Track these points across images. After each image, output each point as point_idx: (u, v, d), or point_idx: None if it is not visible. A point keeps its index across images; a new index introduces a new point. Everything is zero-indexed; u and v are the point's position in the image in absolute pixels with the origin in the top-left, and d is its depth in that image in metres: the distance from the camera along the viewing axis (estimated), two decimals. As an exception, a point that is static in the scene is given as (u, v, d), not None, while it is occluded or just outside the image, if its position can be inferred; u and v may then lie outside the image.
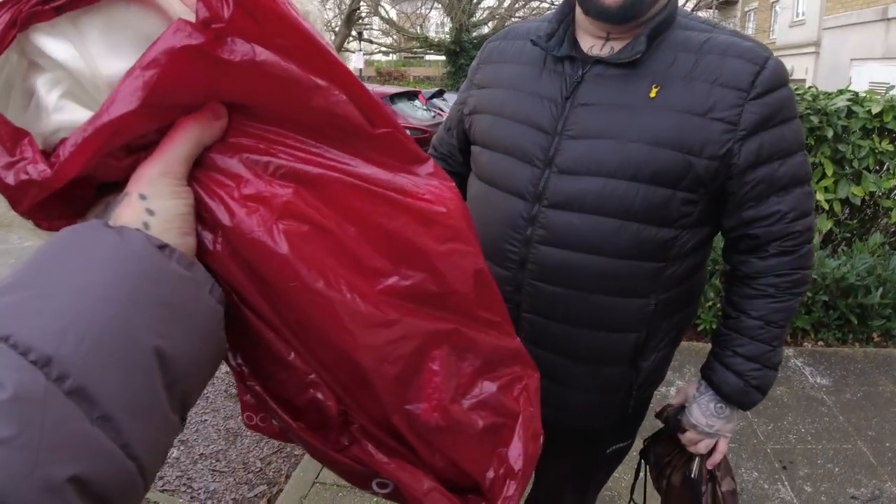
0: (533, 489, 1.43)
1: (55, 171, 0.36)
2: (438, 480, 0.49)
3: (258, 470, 2.48)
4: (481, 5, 20.80)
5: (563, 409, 1.17)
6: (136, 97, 0.35)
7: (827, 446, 2.64)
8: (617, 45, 1.06)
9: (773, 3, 20.16)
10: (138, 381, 0.33)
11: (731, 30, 1.08)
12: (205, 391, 0.42)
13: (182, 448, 2.58)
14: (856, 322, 3.44)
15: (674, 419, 1.21)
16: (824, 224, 3.63)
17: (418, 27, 23.22)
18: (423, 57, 28.80)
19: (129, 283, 0.34)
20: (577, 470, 1.34)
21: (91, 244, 0.35)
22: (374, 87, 9.25)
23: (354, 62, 19.22)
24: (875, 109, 3.41)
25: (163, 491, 2.34)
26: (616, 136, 1.00)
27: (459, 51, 19.99)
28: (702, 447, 1.17)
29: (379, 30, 23.35)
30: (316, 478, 2.37)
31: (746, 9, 23.71)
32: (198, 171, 0.40)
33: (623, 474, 2.29)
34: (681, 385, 3.06)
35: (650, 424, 1.33)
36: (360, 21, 18.92)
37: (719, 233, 1.14)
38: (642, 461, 1.37)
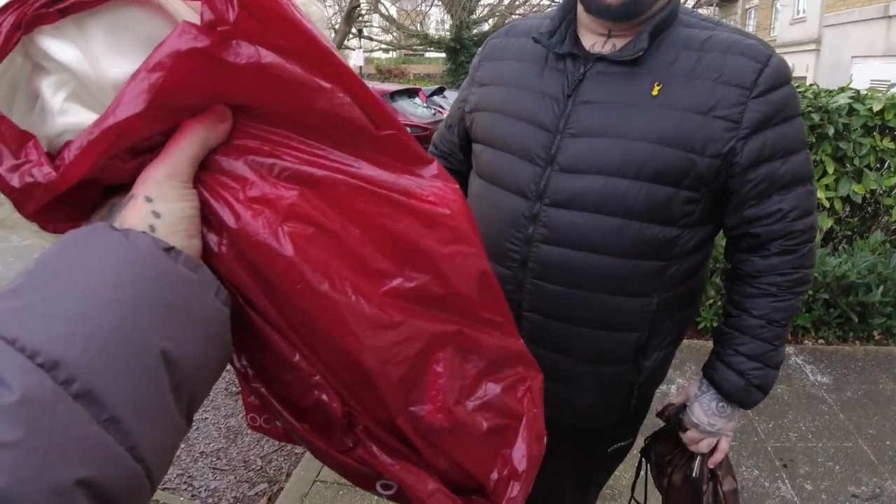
0: (533, 488, 1.43)
1: (60, 174, 0.36)
2: (442, 482, 0.49)
3: (259, 468, 2.48)
4: (481, 2, 20.78)
5: (565, 407, 1.16)
6: (142, 100, 0.35)
7: (827, 444, 2.64)
8: (619, 43, 1.05)
9: (773, 0, 20.13)
10: (145, 383, 0.33)
11: (734, 27, 1.08)
12: (206, 389, 0.43)
13: (183, 446, 2.58)
14: (856, 320, 3.44)
15: (675, 418, 1.21)
16: (825, 222, 3.63)
17: (418, 24, 23.21)
18: (423, 54, 28.78)
19: (135, 285, 0.34)
20: (578, 469, 1.33)
21: (97, 247, 0.35)
22: (375, 85, 9.24)
23: (354, 59, 19.20)
24: (876, 107, 3.40)
25: (163, 489, 2.34)
26: (618, 135, 1.00)
27: (460, 48, 19.97)
28: (703, 446, 1.17)
29: (379, 27, 23.33)
30: (317, 476, 2.37)
31: (747, 6, 23.68)
32: (203, 173, 0.40)
33: (624, 472, 2.29)
34: (681, 383, 3.07)
35: (651, 423, 1.32)
36: (361, 18, 18.89)
37: (721, 231, 1.13)
38: (643, 460, 1.37)
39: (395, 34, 23.26)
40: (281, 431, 0.57)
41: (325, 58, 0.41)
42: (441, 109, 9.66)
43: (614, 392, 1.16)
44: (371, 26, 23.04)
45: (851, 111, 3.47)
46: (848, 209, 3.78)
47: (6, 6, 0.35)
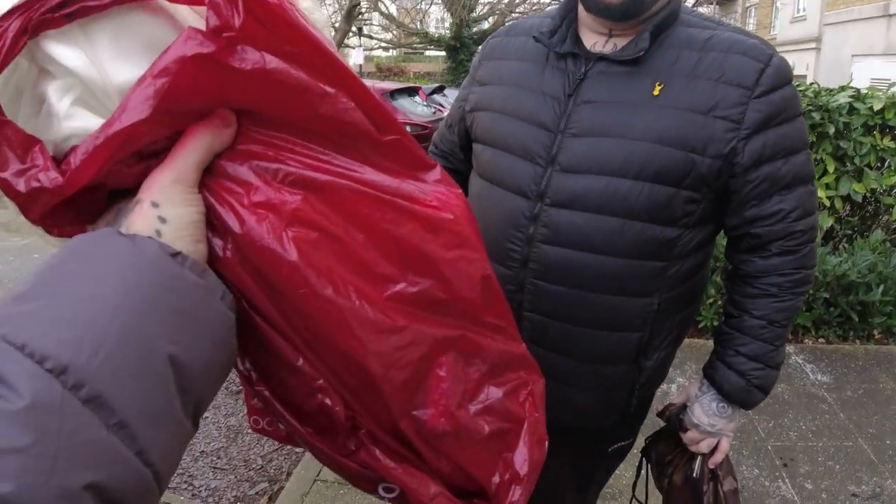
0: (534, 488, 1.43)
1: (67, 179, 0.36)
2: (444, 485, 0.50)
3: (259, 467, 2.48)
4: (481, 0, 20.75)
5: (565, 408, 1.16)
6: (148, 105, 0.35)
7: (828, 444, 2.64)
8: (620, 42, 1.05)
9: (773, -2, 20.11)
10: (153, 388, 0.33)
11: (735, 27, 1.08)
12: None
13: (183, 445, 2.58)
14: (857, 319, 3.44)
15: (676, 418, 1.21)
16: (825, 221, 3.63)
17: (418, 23, 23.18)
18: (423, 52, 28.78)
19: (142, 290, 0.34)
20: (579, 468, 1.33)
21: (104, 252, 0.35)
22: (375, 83, 9.23)
23: (354, 58, 19.18)
24: (877, 106, 3.40)
25: (164, 488, 2.34)
26: (619, 135, 1.00)
27: (460, 46, 19.96)
28: (703, 446, 1.17)
29: (379, 25, 23.30)
30: (317, 475, 2.37)
31: (747, 4, 23.67)
32: (208, 178, 0.41)
33: (624, 472, 2.29)
34: (682, 382, 3.07)
35: (651, 422, 1.32)
36: (360, 17, 18.87)
37: (722, 231, 1.13)
38: (644, 460, 1.37)
39: (395, 32, 23.23)
40: (283, 434, 0.57)
41: (329, 63, 0.41)
42: (441, 108, 9.65)
43: (615, 392, 1.16)
44: (371, 24, 23.02)
45: (852, 110, 3.46)
46: (848, 208, 3.78)
47: (11, 11, 0.35)
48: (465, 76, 1.30)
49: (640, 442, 1.36)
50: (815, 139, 3.49)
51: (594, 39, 1.07)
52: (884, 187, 3.60)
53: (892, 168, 3.59)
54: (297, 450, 2.56)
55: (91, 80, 0.38)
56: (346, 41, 17.74)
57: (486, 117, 1.16)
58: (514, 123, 1.09)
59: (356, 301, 0.42)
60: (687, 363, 3.19)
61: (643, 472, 1.37)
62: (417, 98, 9.14)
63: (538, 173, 1.05)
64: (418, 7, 22.33)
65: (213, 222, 0.40)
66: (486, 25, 20.75)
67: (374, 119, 0.44)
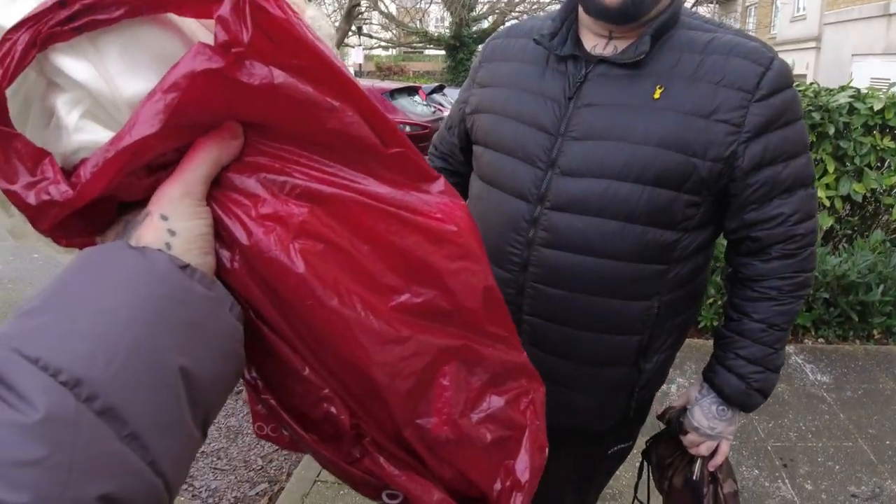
0: (534, 490, 1.43)
1: (77, 192, 0.36)
2: (447, 492, 0.50)
3: (259, 468, 2.49)
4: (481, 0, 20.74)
5: (565, 410, 1.16)
6: (158, 120, 0.36)
7: (827, 444, 2.64)
8: (620, 45, 1.05)
9: (773, -3, 20.11)
10: (164, 399, 0.34)
11: (736, 29, 1.08)
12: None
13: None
14: (856, 319, 3.45)
15: (676, 421, 1.21)
16: (825, 221, 3.63)
17: (418, 22, 23.16)
18: (422, 52, 28.76)
19: (153, 303, 0.35)
20: (579, 471, 1.34)
21: (115, 265, 0.36)
22: (374, 83, 9.22)
23: (354, 57, 19.17)
24: (877, 106, 3.40)
25: (164, 489, 2.34)
26: (620, 138, 1.00)
27: (459, 45, 19.94)
28: (703, 449, 1.17)
29: (378, 24, 23.29)
30: (317, 476, 2.38)
31: (747, 3, 23.65)
32: (216, 189, 0.41)
33: (624, 472, 2.30)
34: (682, 382, 3.07)
35: (652, 424, 1.32)
36: (360, 16, 18.86)
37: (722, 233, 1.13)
38: (645, 462, 1.37)
39: (394, 31, 23.22)
40: (288, 440, 0.57)
41: (336, 77, 0.42)
42: (441, 107, 9.64)
43: (615, 395, 1.16)
44: (371, 24, 23.01)
45: (852, 110, 3.46)
46: (848, 208, 3.78)
47: (21, 24, 0.36)
48: (464, 75, 1.30)
49: (640, 443, 1.36)
50: (815, 139, 3.49)
51: (594, 42, 1.07)
52: (884, 187, 3.60)
53: (892, 168, 3.59)
54: (298, 450, 2.56)
55: (100, 93, 0.38)
56: (345, 40, 17.74)
57: (486, 120, 1.16)
58: (514, 126, 1.09)
59: (361, 312, 0.43)
60: (687, 363, 3.20)
61: (644, 474, 1.38)
62: (417, 98, 9.13)
63: (538, 176, 1.05)
64: (418, 6, 22.33)
65: (220, 234, 0.41)
66: (485, 24, 20.74)
67: (379, 132, 0.44)
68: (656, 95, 0.99)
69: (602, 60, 1.03)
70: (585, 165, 1.01)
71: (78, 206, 0.37)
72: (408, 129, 7.74)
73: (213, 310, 0.38)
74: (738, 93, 0.97)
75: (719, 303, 3.42)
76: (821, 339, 3.53)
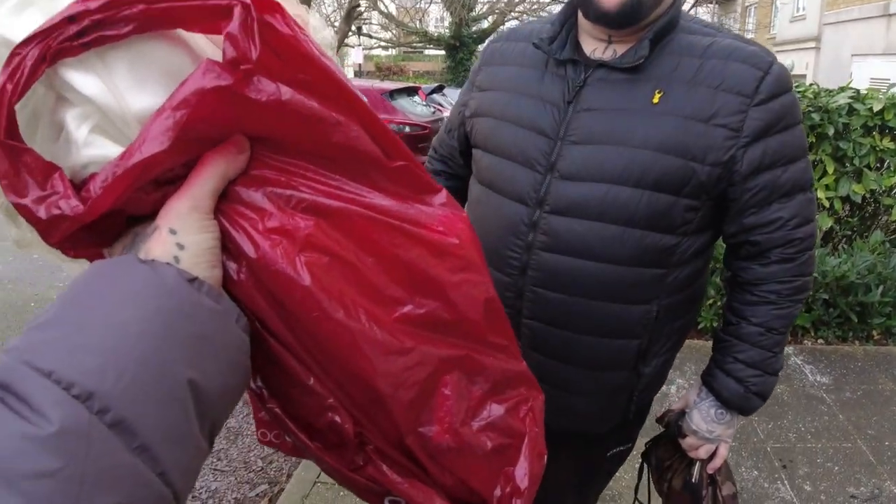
0: (534, 492, 1.43)
1: (88, 207, 0.37)
2: (448, 498, 0.51)
3: (259, 469, 2.49)
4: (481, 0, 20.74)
5: (565, 414, 1.17)
6: (167, 137, 0.36)
7: (827, 445, 2.65)
8: (620, 49, 1.05)
9: (773, -3, 20.11)
10: (174, 412, 0.34)
11: (735, 34, 1.08)
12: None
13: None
14: (856, 320, 3.45)
15: (675, 424, 1.22)
16: (825, 222, 3.63)
17: (417, 22, 23.16)
18: (422, 51, 28.76)
19: (162, 317, 0.35)
20: (578, 473, 1.34)
21: (125, 279, 0.36)
22: (374, 83, 9.22)
23: (354, 57, 19.17)
24: (876, 107, 3.41)
25: (164, 490, 2.34)
26: (619, 142, 1.00)
27: (459, 45, 19.94)
28: (702, 452, 1.17)
29: (378, 24, 23.29)
30: (317, 477, 2.38)
31: (747, 4, 23.65)
32: (223, 203, 0.42)
33: (623, 474, 2.30)
34: (681, 383, 3.07)
35: (651, 426, 1.33)
36: (360, 16, 18.86)
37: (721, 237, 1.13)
38: (644, 464, 1.37)
39: (394, 31, 23.22)
40: (290, 446, 0.58)
41: (341, 92, 0.42)
42: (440, 108, 9.64)
43: (614, 398, 1.17)
44: (370, 24, 23.01)
45: (851, 111, 3.47)
46: (848, 209, 3.79)
47: (30, 38, 0.36)
48: (464, 75, 1.31)
49: (640, 445, 1.37)
50: (814, 140, 3.49)
51: (594, 46, 1.07)
52: (883, 188, 3.61)
53: (892, 169, 3.60)
54: (297, 452, 2.57)
55: (109, 108, 0.38)
56: (345, 40, 17.73)
57: (486, 123, 1.16)
58: (513, 130, 1.10)
59: (366, 323, 0.44)
60: (687, 364, 3.20)
61: (644, 475, 1.38)
62: (417, 98, 9.13)
63: (537, 180, 1.05)
64: (417, 6, 22.32)
65: (227, 246, 0.41)
66: (485, 24, 20.74)
67: (382, 146, 0.45)
68: (655, 100, 0.99)
69: (601, 65, 1.04)
70: (585, 169, 1.02)
71: (88, 220, 0.37)
72: (407, 129, 7.73)
73: (220, 323, 0.38)
74: (737, 97, 0.97)
75: (719, 304, 3.42)
76: (820, 340, 3.54)
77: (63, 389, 0.31)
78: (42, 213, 0.37)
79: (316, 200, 0.43)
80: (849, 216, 3.82)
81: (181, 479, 0.34)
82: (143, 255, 0.38)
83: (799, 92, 3.59)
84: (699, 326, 3.47)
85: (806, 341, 3.54)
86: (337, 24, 17.46)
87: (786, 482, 2.43)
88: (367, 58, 23.88)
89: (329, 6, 19.68)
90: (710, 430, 1.15)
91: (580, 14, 1.07)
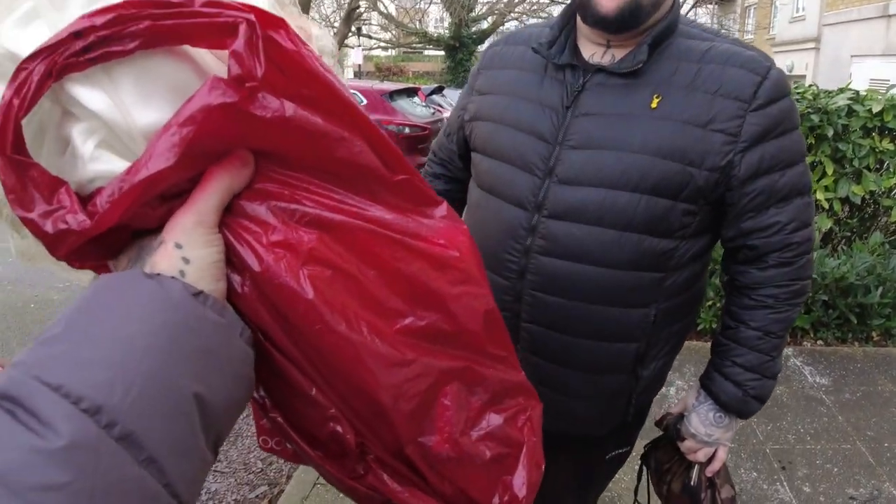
0: (533, 494, 1.44)
1: (94, 222, 0.37)
2: None
3: (259, 470, 2.49)
4: (480, 0, 20.74)
5: (563, 417, 1.17)
6: (174, 153, 0.37)
7: (826, 446, 2.65)
8: (618, 53, 1.05)
9: (773, -2, 20.11)
10: (180, 426, 0.35)
11: (734, 38, 1.09)
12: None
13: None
14: (855, 321, 3.46)
15: (673, 428, 1.22)
16: (824, 223, 3.64)
17: (417, 22, 23.16)
18: (422, 52, 28.77)
19: (168, 331, 0.36)
20: (578, 476, 1.34)
21: (132, 294, 0.37)
22: (373, 84, 9.22)
23: (353, 58, 19.16)
24: (875, 108, 3.41)
25: (164, 492, 2.34)
26: (617, 147, 1.00)
27: (459, 46, 19.96)
28: (701, 455, 1.18)
29: (378, 25, 23.30)
30: (317, 479, 2.38)
31: (746, 4, 23.65)
32: (227, 216, 0.42)
33: (623, 475, 2.30)
34: (681, 385, 3.07)
35: (651, 428, 1.33)
36: (359, 17, 18.86)
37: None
38: (644, 466, 1.37)
39: (393, 32, 23.23)
40: (291, 453, 0.59)
41: (344, 107, 0.43)
42: (440, 108, 9.65)
43: (612, 401, 1.17)
44: (370, 24, 23.01)
45: (851, 112, 3.48)
46: (847, 210, 3.79)
47: (36, 53, 0.36)
48: (464, 76, 1.32)
49: (639, 447, 1.37)
50: (813, 141, 3.50)
51: (592, 50, 1.08)
52: (882, 189, 3.61)
53: (891, 170, 3.60)
54: (297, 453, 2.57)
55: (115, 123, 0.39)
56: (344, 41, 17.74)
57: (485, 127, 1.16)
58: (512, 134, 1.10)
59: (368, 336, 0.44)
60: (686, 366, 3.20)
61: (644, 478, 1.38)
62: (416, 99, 9.14)
63: (536, 185, 1.06)
64: (417, 7, 22.32)
65: (231, 259, 0.42)
66: (484, 25, 20.75)
67: (385, 160, 0.46)
68: (654, 105, 1.00)
69: (600, 69, 1.04)
70: (583, 174, 1.02)
71: (94, 234, 0.38)
72: (407, 130, 7.74)
73: (225, 336, 0.39)
74: (734, 102, 0.97)
75: (718, 305, 3.43)
76: (819, 342, 3.54)
77: (72, 404, 0.31)
78: (49, 227, 0.37)
79: (319, 214, 0.43)
80: (848, 217, 3.83)
81: (187, 490, 0.35)
82: (149, 269, 0.39)
83: (798, 93, 3.59)
84: (698, 328, 3.47)
85: (805, 342, 3.54)
86: (336, 24, 17.47)
87: (785, 484, 2.43)
88: (366, 58, 23.88)
89: (329, 7, 19.69)
90: (708, 433, 1.15)
91: (579, 18, 1.07)
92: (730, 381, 1.11)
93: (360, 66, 20.06)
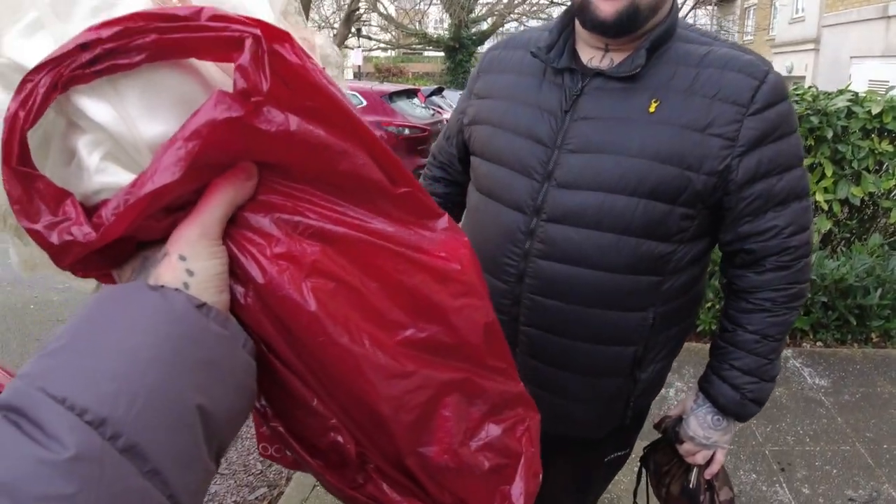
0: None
1: (99, 235, 0.38)
2: None
3: (259, 472, 2.49)
4: (480, 1, 20.76)
5: (562, 420, 1.17)
6: (179, 167, 0.37)
7: (825, 448, 2.65)
8: (617, 57, 1.06)
9: (772, -1, 20.11)
10: (183, 437, 0.35)
11: (732, 42, 1.09)
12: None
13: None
14: (854, 323, 3.46)
15: (672, 430, 1.22)
16: (824, 224, 3.64)
17: (417, 23, 23.18)
18: (421, 53, 28.78)
19: (171, 343, 0.36)
20: (576, 479, 1.35)
21: (136, 306, 0.37)
22: (373, 85, 9.22)
23: (353, 59, 19.16)
24: (875, 110, 3.42)
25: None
26: (616, 151, 1.01)
27: (458, 47, 19.97)
28: (699, 458, 1.18)
29: (377, 26, 23.30)
30: (317, 481, 2.38)
31: (746, 5, 23.65)
32: (231, 228, 0.42)
33: (622, 477, 2.30)
34: (680, 386, 3.07)
35: (650, 429, 1.33)
36: (359, 18, 18.87)
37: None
38: (643, 469, 1.38)
39: (393, 33, 23.23)
40: (291, 460, 0.59)
41: (348, 120, 0.43)
42: (440, 110, 9.65)
43: (611, 404, 1.17)
44: (370, 25, 23.02)
45: (850, 114, 3.48)
46: (846, 212, 3.80)
47: (42, 66, 0.37)
48: (464, 77, 1.32)
49: (639, 449, 1.37)
50: (813, 143, 3.50)
51: (591, 54, 1.08)
52: (882, 191, 3.62)
53: (890, 171, 3.61)
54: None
55: (120, 135, 0.39)
56: (344, 42, 17.74)
57: (484, 131, 1.17)
58: (510, 138, 1.10)
59: (369, 348, 0.45)
60: (685, 368, 3.21)
61: (643, 480, 1.39)
62: (416, 100, 9.14)
63: (535, 188, 1.06)
64: (417, 8, 22.33)
65: (235, 271, 0.42)
66: (484, 26, 20.76)
67: (388, 172, 0.46)
68: (652, 109, 1.00)
69: (598, 74, 1.04)
70: (582, 178, 1.02)
71: (99, 246, 0.38)
72: (406, 131, 7.74)
73: (227, 348, 0.39)
74: (732, 107, 0.98)
75: (718, 307, 3.43)
76: (819, 343, 3.55)
77: (77, 416, 0.32)
78: (54, 238, 0.38)
79: (322, 227, 0.44)
80: (847, 219, 3.83)
81: (190, 500, 0.35)
82: (153, 281, 0.39)
83: (798, 94, 3.60)
84: (698, 329, 3.48)
85: (805, 344, 3.55)
86: (336, 26, 17.47)
87: (784, 485, 2.43)
88: (366, 59, 23.87)
89: (328, 8, 19.69)
90: (706, 436, 1.15)
91: (577, 23, 1.08)
92: (728, 385, 1.11)
93: (359, 67, 20.06)
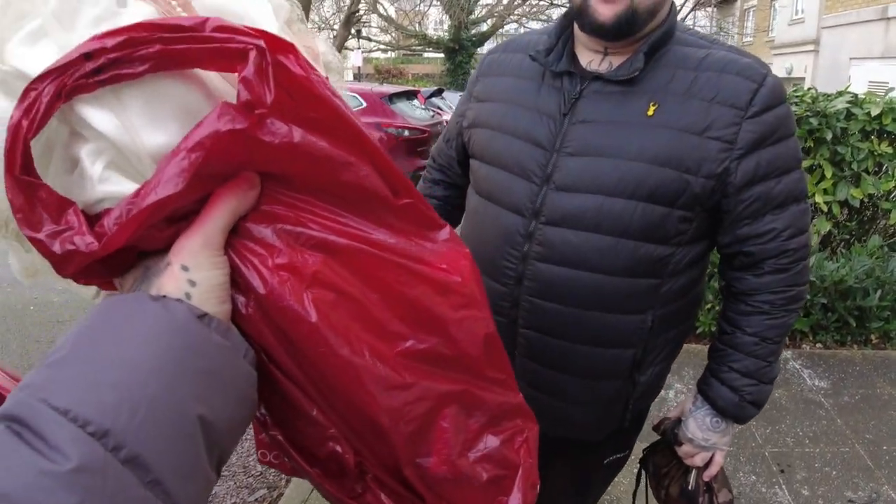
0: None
1: (102, 244, 0.38)
2: None
3: (258, 474, 2.49)
4: (480, 2, 20.77)
5: (561, 422, 1.18)
6: (182, 178, 0.37)
7: (825, 449, 2.65)
8: (615, 61, 1.06)
9: (772, 0, 20.13)
10: (184, 447, 0.36)
11: (730, 46, 1.09)
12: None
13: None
14: (854, 324, 3.46)
15: (671, 432, 1.23)
16: (823, 226, 3.64)
17: (417, 25, 23.19)
18: (421, 54, 28.78)
19: (173, 354, 0.36)
20: (575, 481, 1.35)
21: (138, 316, 0.37)
22: (373, 86, 9.23)
23: (353, 60, 19.17)
24: (874, 111, 3.42)
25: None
26: (614, 154, 1.01)
27: (458, 48, 19.98)
28: (698, 460, 1.18)
29: (377, 27, 23.32)
30: (316, 483, 2.38)
31: (745, 6, 23.67)
32: (233, 238, 0.43)
33: (622, 478, 2.31)
34: (679, 388, 3.07)
35: (649, 431, 1.34)
36: (359, 20, 18.88)
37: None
38: (642, 470, 1.38)
39: (393, 34, 23.25)
40: (290, 467, 0.59)
41: (351, 132, 0.43)
42: (439, 111, 9.66)
43: (609, 406, 1.18)
44: (369, 26, 23.03)
45: (849, 115, 3.48)
46: (846, 213, 3.80)
47: (45, 75, 0.37)
48: (463, 78, 1.33)
49: (638, 451, 1.37)
50: (812, 144, 3.51)
51: (590, 58, 1.08)
52: (881, 192, 3.62)
53: (890, 173, 3.61)
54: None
55: (123, 145, 0.39)
56: (344, 44, 17.75)
57: (483, 134, 1.17)
58: (509, 141, 1.11)
59: (370, 359, 0.45)
60: (685, 369, 3.21)
61: (642, 482, 1.39)
62: (416, 101, 9.15)
63: (533, 191, 1.06)
64: (417, 9, 22.34)
65: (236, 281, 0.42)
66: (484, 27, 20.77)
67: (390, 183, 0.46)
68: (650, 112, 1.00)
69: (597, 77, 1.05)
70: (580, 181, 1.03)
71: (101, 256, 0.38)
72: (406, 133, 7.74)
73: (229, 358, 0.39)
74: (730, 110, 0.98)
75: (717, 308, 3.42)
76: (818, 345, 3.55)
77: (79, 427, 0.32)
78: (57, 247, 0.38)
79: (324, 238, 0.44)
80: (847, 220, 3.83)
81: None
82: (155, 291, 0.39)
83: (797, 96, 3.60)
84: (698, 331, 3.48)
85: (804, 345, 3.55)
86: (336, 27, 17.48)
87: (783, 487, 2.43)
88: (366, 61, 23.89)
89: (328, 9, 19.71)
90: (705, 438, 1.16)
91: (576, 26, 1.08)
92: (726, 387, 1.11)
93: (359, 68, 20.08)
